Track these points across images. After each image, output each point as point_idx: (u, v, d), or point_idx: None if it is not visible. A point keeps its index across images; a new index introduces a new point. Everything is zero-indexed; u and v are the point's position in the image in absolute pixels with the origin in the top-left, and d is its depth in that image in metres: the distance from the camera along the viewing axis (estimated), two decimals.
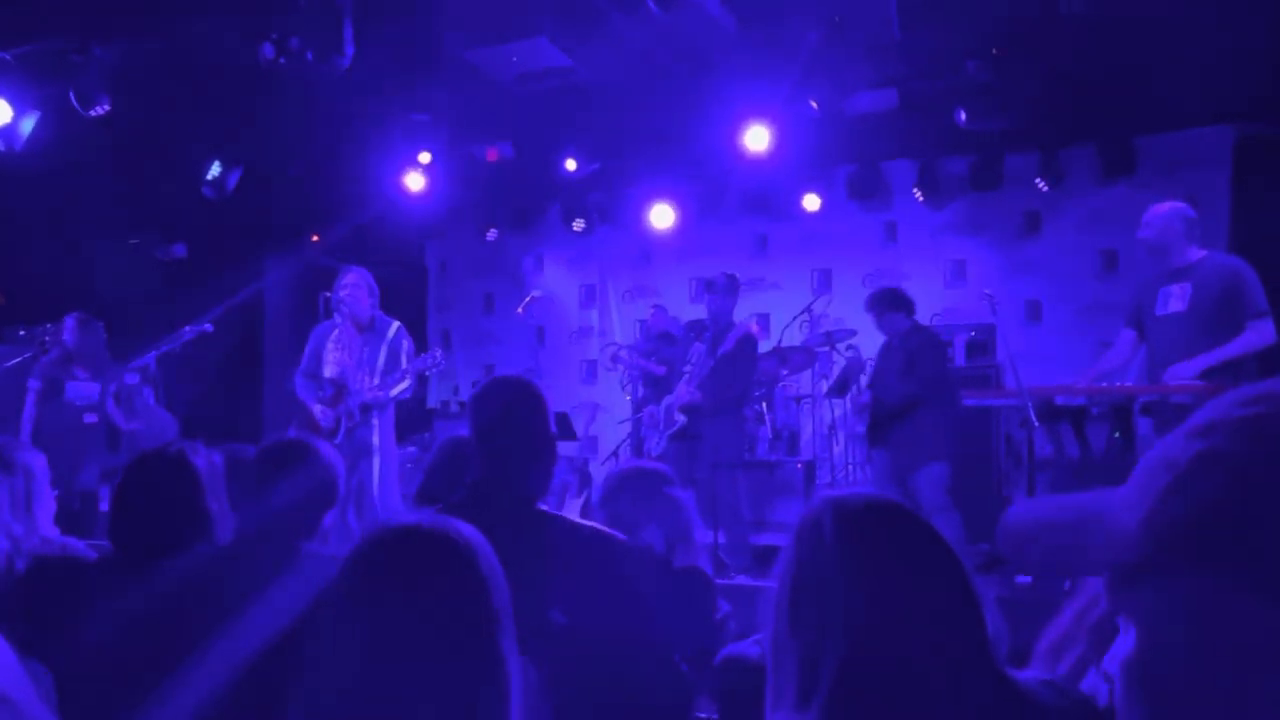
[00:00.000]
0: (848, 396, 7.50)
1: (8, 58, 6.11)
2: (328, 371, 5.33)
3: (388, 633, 1.11)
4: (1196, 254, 4.40)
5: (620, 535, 2.13)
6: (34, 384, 5.99)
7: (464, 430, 3.15)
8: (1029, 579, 4.75)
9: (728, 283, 5.60)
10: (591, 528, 2.10)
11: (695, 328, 5.76)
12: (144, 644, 1.76)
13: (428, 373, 5.37)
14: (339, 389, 5.30)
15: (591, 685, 1.79)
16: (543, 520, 2.07)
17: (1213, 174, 7.27)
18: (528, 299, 6.40)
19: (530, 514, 2.07)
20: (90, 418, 5.93)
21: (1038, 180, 7.58)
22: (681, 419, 5.58)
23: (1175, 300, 4.36)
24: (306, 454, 2.34)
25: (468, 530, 1.23)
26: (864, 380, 6.45)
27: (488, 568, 1.20)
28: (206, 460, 2.16)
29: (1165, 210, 4.44)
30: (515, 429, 2.09)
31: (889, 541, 1.21)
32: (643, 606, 2.03)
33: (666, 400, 5.72)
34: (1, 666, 0.74)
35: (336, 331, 5.37)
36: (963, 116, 6.59)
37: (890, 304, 5.51)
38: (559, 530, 2.05)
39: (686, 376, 5.58)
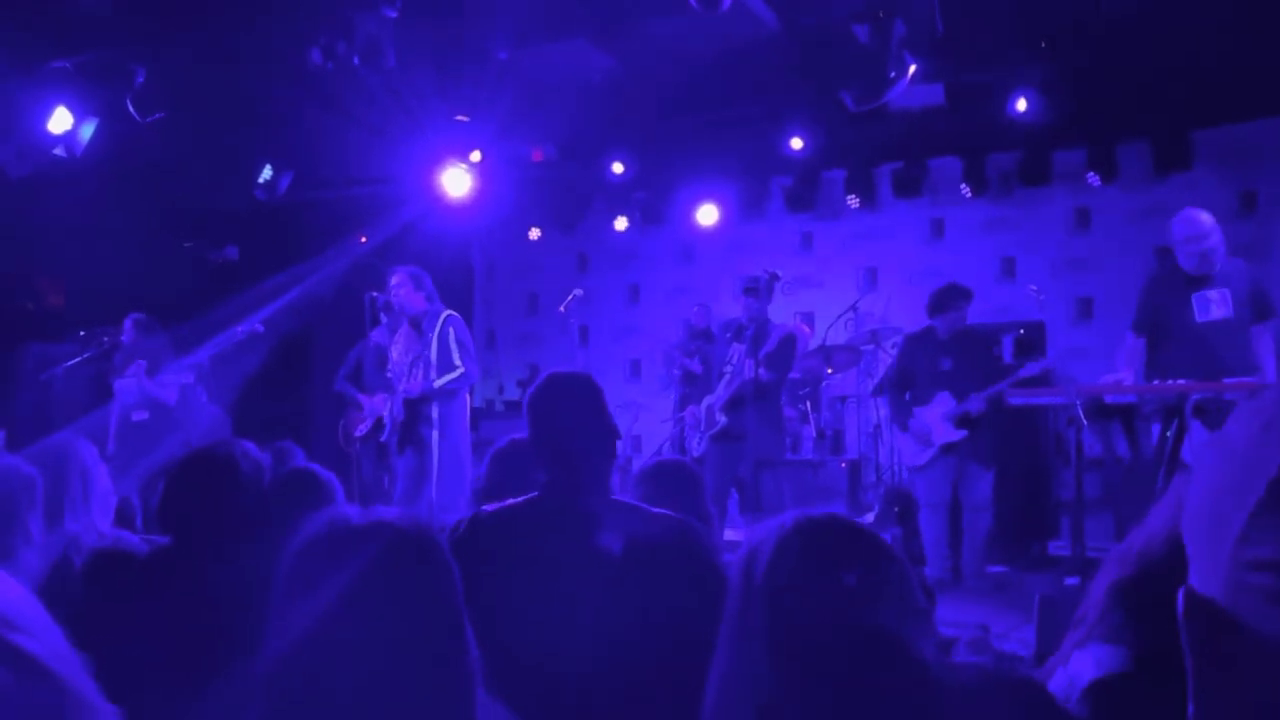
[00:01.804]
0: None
1: (68, 66, 6.29)
2: (390, 371, 5.45)
3: (353, 622, 1.13)
4: (1229, 259, 4.45)
5: (696, 522, 2.13)
6: (116, 383, 6.18)
7: (511, 429, 3.17)
8: (1076, 579, 4.67)
9: (765, 282, 5.57)
10: (669, 515, 2.09)
11: (731, 327, 5.74)
12: (191, 637, 1.80)
13: (458, 355, 5.32)
14: (391, 387, 5.39)
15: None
16: (620, 509, 2.08)
17: (1271, 166, 7.08)
18: (570, 298, 6.43)
19: (611, 503, 2.08)
20: (140, 415, 6.09)
21: (1089, 175, 7.43)
22: (723, 419, 5.56)
23: (1217, 306, 4.37)
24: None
25: (418, 521, 1.26)
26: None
27: (447, 563, 1.23)
28: (253, 458, 2.20)
29: (1210, 218, 4.43)
30: (579, 427, 2.09)
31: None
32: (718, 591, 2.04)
33: (707, 400, 5.71)
34: (49, 645, 0.76)
35: (399, 332, 5.49)
36: (1016, 107, 6.49)
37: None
38: (641, 517, 2.05)
39: (726, 378, 5.55)
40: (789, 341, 5.60)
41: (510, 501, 2.13)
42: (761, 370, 5.40)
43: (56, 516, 2.23)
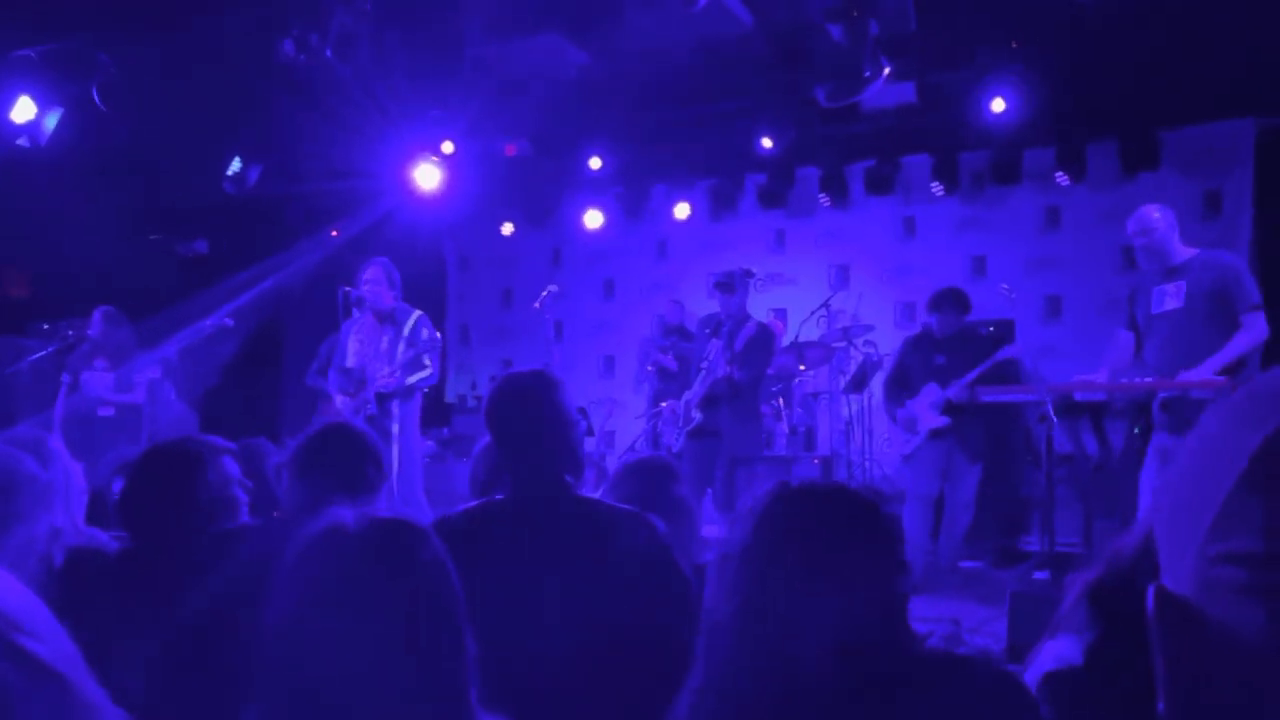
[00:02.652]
0: (865, 393, 7.48)
1: (32, 55, 6.18)
2: (349, 362, 5.39)
3: (353, 621, 1.13)
4: (1188, 252, 4.46)
5: (658, 521, 2.13)
6: (65, 378, 6.08)
7: (484, 424, 3.17)
8: (1047, 574, 4.73)
9: (740, 278, 5.61)
10: (633, 511, 2.10)
11: (710, 323, 5.75)
12: (163, 631, 1.79)
13: (427, 356, 5.35)
14: (359, 380, 5.34)
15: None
16: (585, 506, 2.09)
17: (1235, 167, 7.20)
18: (544, 294, 6.41)
19: (574, 501, 2.09)
20: (105, 410, 6.00)
21: (1058, 174, 7.51)
22: (698, 416, 5.57)
23: (1170, 298, 4.41)
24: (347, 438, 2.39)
25: (418, 518, 1.27)
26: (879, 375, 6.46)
27: (445, 559, 1.24)
28: (218, 453, 2.18)
29: (1158, 212, 4.48)
30: (536, 428, 2.09)
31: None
32: (681, 589, 2.05)
33: (686, 395, 5.72)
34: (53, 643, 0.75)
35: (358, 323, 5.42)
36: (993, 108, 6.56)
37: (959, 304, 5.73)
38: (603, 514, 2.07)
39: (703, 374, 5.56)
40: (761, 337, 5.62)
41: (475, 503, 2.15)
42: (734, 368, 5.42)
43: (33, 513, 2.18)
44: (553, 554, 1.96)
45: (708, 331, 5.70)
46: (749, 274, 5.65)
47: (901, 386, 5.77)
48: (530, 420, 2.09)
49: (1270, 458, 0.55)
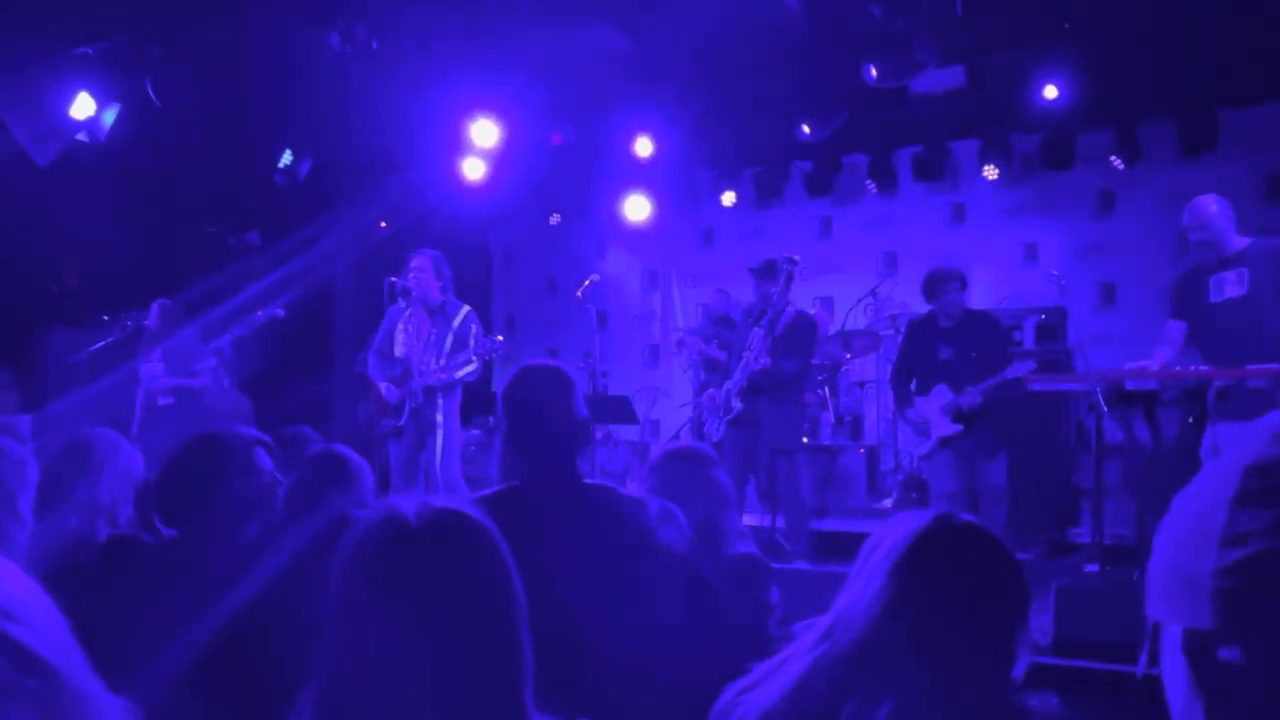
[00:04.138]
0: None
1: (90, 52, 6.33)
2: (397, 351, 5.48)
3: (413, 616, 1.10)
4: (1243, 240, 4.34)
5: (673, 506, 2.15)
6: (142, 369, 6.27)
7: None
8: (1096, 567, 4.64)
9: (780, 265, 5.51)
10: (643, 499, 2.15)
11: (752, 312, 5.71)
12: (196, 619, 1.82)
13: (489, 357, 5.44)
14: (405, 370, 5.42)
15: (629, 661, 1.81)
16: (594, 492, 2.16)
17: None
18: (586, 283, 6.43)
19: (582, 487, 2.17)
20: (165, 400, 6.16)
21: (1112, 157, 7.31)
22: (738, 405, 5.54)
23: (1231, 285, 4.28)
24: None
25: (481, 515, 1.21)
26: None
27: (505, 553, 1.19)
28: (251, 444, 2.21)
29: (1211, 204, 4.36)
30: (550, 417, 2.16)
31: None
32: (699, 578, 2.06)
33: (727, 385, 5.69)
34: (49, 638, 0.75)
35: (408, 312, 5.49)
36: (1045, 94, 6.39)
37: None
38: (611, 500, 2.13)
39: (744, 363, 5.52)
40: (800, 326, 5.54)
41: (489, 490, 2.22)
42: (772, 357, 5.37)
43: (65, 501, 2.24)
44: (564, 540, 2.00)
45: (749, 319, 5.66)
46: (793, 261, 5.57)
47: (908, 379, 5.46)
48: (549, 408, 2.18)
49: (1259, 473, 0.58)
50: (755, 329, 5.49)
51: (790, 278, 5.47)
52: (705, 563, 2.16)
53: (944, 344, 5.31)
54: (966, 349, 5.24)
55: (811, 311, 5.70)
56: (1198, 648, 0.60)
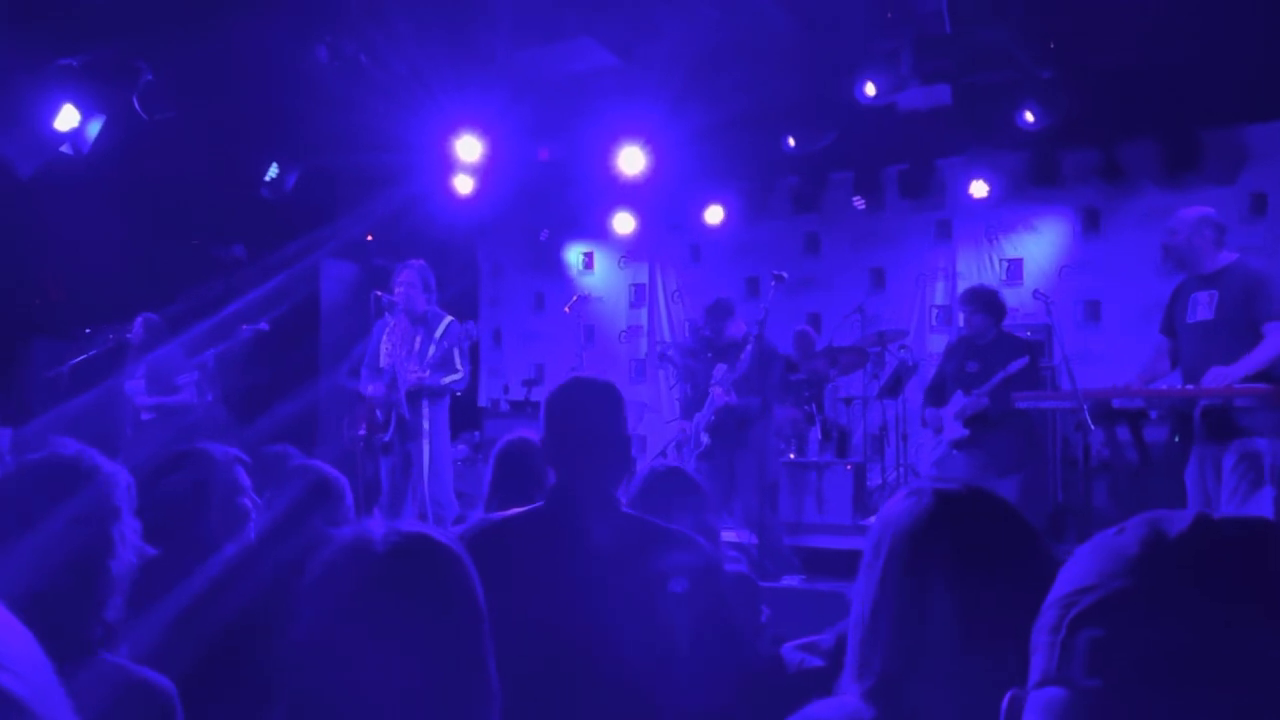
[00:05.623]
0: (900, 398, 7.40)
1: (74, 64, 6.30)
2: (382, 362, 5.47)
3: (377, 639, 1.10)
4: (1226, 259, 4.27)
5: (703, 540, 2.09)
6: (127, 384, 6.23)
7: (516, 429, 3.15)
8: None
9: (718, 305, 5.75)
10: (679, 530, 2.06)
11: (710, 346, 5.79)
12: (178, 637, 1.80)
13: (459, 357, 5.43)
14: (391, 379, 5.40)
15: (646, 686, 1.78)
16: (630, 522, 2.04)
17: None
18: (574, 298, 6.43)
19: (618, 516, 2.03)
20: (147, 415, 6.10)
21: (1097, 176, 7.37)
22: (707, 440, 5.59)
23: (1203, 308, 4.25)
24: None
25: (448, 537, 1.22)
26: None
27: (472, 577, 1.19)
28: (230, 462, 2.17)
29: (1193, 217, 4.32)
30: (593, 434, 2.03)
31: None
32: (722, 610, 2.01)
33: (696, 417, 5.73)
34: (34, 684, 0.73)
35: (392, 324, 5.50)
36: (1024, 116, 6.43)
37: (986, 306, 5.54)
38: (647, 532, 2.01)
39: (711, 398, 5.59)
40: (762, 360, 5.56)
41: (514, 511, 2.09)
42: (737, 392, 5.44)
43: None
44: (591, 573, 1.91)
45: (709, 355, 5.72)
46: (779, 278, 5.63)
47: (939, 393, 5.63)
48: (594, 424, 2.04)
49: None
50: (719, 364, 5.56)
51: (729, 314, 5.71)
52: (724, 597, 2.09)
53: (973, 359, 5.47)
54: (992, 362, 5.36)
55: (766, 339, 5.71)
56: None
